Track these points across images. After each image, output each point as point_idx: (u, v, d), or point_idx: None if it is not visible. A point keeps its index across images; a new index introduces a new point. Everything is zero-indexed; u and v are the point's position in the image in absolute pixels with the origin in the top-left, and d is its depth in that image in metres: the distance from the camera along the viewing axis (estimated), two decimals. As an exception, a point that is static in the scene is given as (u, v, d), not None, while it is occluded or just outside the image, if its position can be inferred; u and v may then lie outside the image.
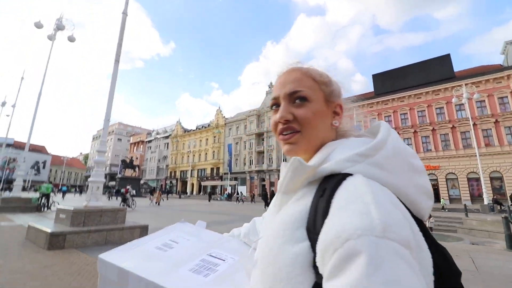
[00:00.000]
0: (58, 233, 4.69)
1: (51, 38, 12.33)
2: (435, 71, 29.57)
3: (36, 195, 14.78)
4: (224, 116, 52.83)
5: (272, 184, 40.02)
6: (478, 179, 24.74)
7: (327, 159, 0.47)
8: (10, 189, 27.60)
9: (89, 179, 6.10)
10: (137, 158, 61.47)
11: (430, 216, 12.67)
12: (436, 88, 28.81)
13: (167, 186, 56.63)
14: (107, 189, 36.20)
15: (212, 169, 50.69)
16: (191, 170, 52.03)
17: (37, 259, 3.99)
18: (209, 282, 0.55)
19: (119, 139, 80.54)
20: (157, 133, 68.24)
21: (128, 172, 42.40)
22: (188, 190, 52.40)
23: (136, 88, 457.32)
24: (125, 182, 35.99)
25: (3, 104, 19.40)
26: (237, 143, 47.28)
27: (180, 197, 39.60)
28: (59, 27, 12.03)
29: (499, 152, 24.69)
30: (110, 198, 28.68)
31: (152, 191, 26.04)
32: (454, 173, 26.94)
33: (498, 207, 17.94)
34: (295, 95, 0.53)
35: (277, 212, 0.51)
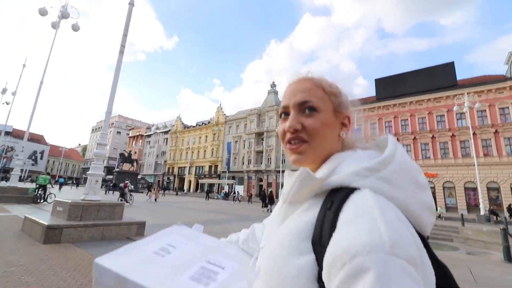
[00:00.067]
0: (55, 226, 4.64)
1: (55, 26, 12.21)
2: (438, 79, 29.61)
3: (33, 185, 14.70)
4: (224, 114, 52.76)
5: (269, 184, 40.01)
6: (475, 189, 24.84)
7: (335, 171, 0.47)
8: (7, 179, 27.47)
9: (88, 172, 6.05)
10: (135, 152, 61.29)
11: (426, 224, 12.69)
12: (438, 95, 28.86)
13: (165, 182, 56.53)
14: (104, 183, 36.07)
15: (210, 167, 50.63)
16: (189, 167, 51.93)
17: (33, 252, 3.95)
18: None
19: (118, 132, 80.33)
20: (157, 128, 68.08)
21: (126, 166, 42.21)
22: (185, 187, 52.27)
23: (137, 81, 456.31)
24: (123, 176, 35.86)
25: (4, 91, 19.24)
26: (236, 141, 47.22)
27: (177, 194, 39.53)
28: (64, 14, 11.93)
29: (497, 162, 24.76)
30: (107, 192, 28.53)
31: (149, 187, 25.90)
32: (451, 182, 27.01)
33: (494, 217, 18.01)
34: (305, 105, 0.53)
35: (281, 222, 0.51)
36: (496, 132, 25.34)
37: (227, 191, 38.50)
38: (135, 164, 43.21)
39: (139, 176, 50.80)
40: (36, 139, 72.13)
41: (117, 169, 40.84)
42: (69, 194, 20.21)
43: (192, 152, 54.43)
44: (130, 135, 75.93)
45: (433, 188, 28.05)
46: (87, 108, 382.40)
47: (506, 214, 18.67)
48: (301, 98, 0.54)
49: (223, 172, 45.86)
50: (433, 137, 28.69)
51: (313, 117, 0.52)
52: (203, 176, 50.98)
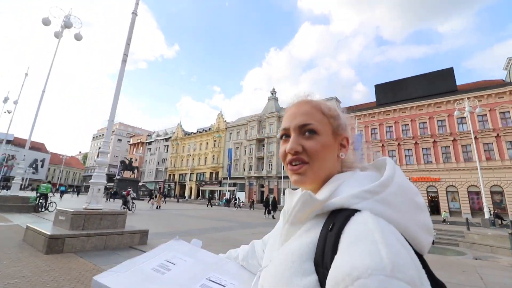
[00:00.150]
0: (57, 236, 4.57)
1: (58, 35, 12.33)
2: (438, 84, 29.75)
3: (33, 194, 14.62)
4: (225, 120, 52.89)
5: (271, 190, 39.82)
6: (478, 193, 24.66)
7: (335, 193, 0.49)
8: (8, 187, 27.39)
9: (90, 181, 6.00)
10: (136, 160, 61.24)
11: (431, 229, 12.55)
12: (438, 100, 28.95)
13: (165, 189, 56.31)
14: (104, 191, 35.81)
15: (211, 173, 50.50)
16: (190, 174, 51.80)
17: (35, 263, 3.87)
18: None
19: (119, 140, 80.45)
20: (158, 135, 68.19)
21: (127, 174, 42.11)
22: (186, 194, 52.02)
23: (138, 89, 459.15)
24: (124, 183, 35.71)
25: (5, 100, 19.34)
26: (237, 148, 47.20)
27: (178, 201, 39.29)
28: (67, 24, 12.05)
29: (500, 166, 24.66)
30: (108, 200, 28.36)
31: (151, 194, 25.80)
32: (454, 186, 26.86)
33: (499, 221, 17.80)
34: (305, 128, 0.56)
35: (283, 242, 0.52)
36: (497, 136, 25.32)
37: (228, 198, 38.29)
38: (136, 171, 43.06)
39: (140, 184, 50.61)
40: (37, 147, 72.27)
41: (118, 177, 40.70)
42: (70, 203, 20.10)
43: (193, 159, 54.38)
44: (131, 142, 76.03)
45: (436, 193, 27.90)
46: (88, 116, 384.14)
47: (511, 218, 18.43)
48: (301, 121, 0.56)
49: (224, 178, 45.70)
50: (434, 141, 28.65)
51: (313, 140, 0.55)
52: (204, 183, 50.80)
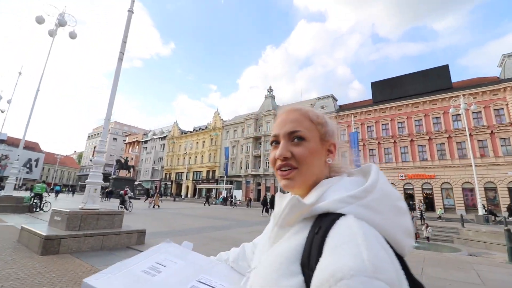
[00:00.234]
0: (53, 237, 4.51)
1: (52, 34, 12.13)
2: (433, 81, 29.96)
3: (27, 194, 14.44)
4: (221, 119, 52.73)
5: (267, 188, 39.89)
6: (472, 189, 24.99)
7: (322, 198, 0.51)
8: (2, 187, 27.01)
9: (87, 180, 5.92)
10: (132, 159, 60.87)
11: (427, 226, 12.66)
12: (433, 98, 29.17)
13: (162, 188, 56.09)
14: (100, 190, 35.52)
15: (208, 172, 50.39)
16: (187, 173, 51.63)
17: (31, 264, 3.81)
18: None
19: (115, 139, 79.83)
20: (154, 134, 67.75)
21: (123, 173, 41.84)
22: (183, 192, 51.90)
23: (134, 88, 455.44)
24: (119, 183, 35.49)
25: (-1, 99, 18.99)
26: (234, 146, 47.13)
27: (174, 200, 39.18)
28: (61, 22, 11.85)
29: (494, 163, 24.98)
30: (103, 199, 28.09)
31: (148, 193, 25.61)
32: (449, 183, 27.16)
33: (493, 218, 18.06)
34: (294, 135, 0.58)
35: (272, 244, 0.54)
36: (492, 133, 25.61)
37: (225, 196, 38.30)
38: (132, 170, 42.81)
39: (136, 183, 50.37)
40: (31, 146, 71.38)
41: (113, 176, 40.44)
42: (65, 202, 19.89)
43: (190, 157, 54.17)
44: (127, 141, 75.47)
45: (431, 190, 28.20)
46: (83, 115, 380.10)
47: (506, 214, 18.71)
48: (290, 128, 0.59)
49: (221, 177, 45.64)
50: (430, 139, 28.91)
51: (301, 146, 0.57)
52: (200, 182, 50.70)
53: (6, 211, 10.23)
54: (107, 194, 29.25)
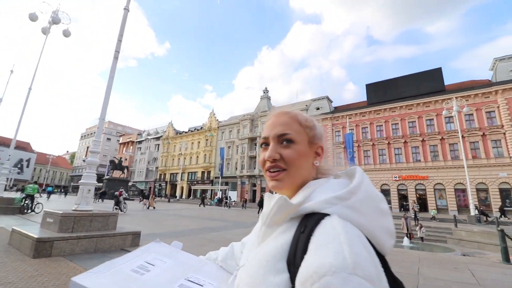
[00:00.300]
0: (45, 239, 4.40)
1: (45, 31, 11.92)
2: (427, 84, 30.36)
3: (18, 195, 14.14)
4: (217, 119, 52.56)
5: (263, 189, 39.84)
6: (464, 190, 25.35)
7: (309, 198, 0.53)
8: (-9, 188, 26.39)
9: (80, 181, 5.81)
10: (126, 159, 60.22)
11: (421, 226, 12.80)
12: (427, 100, 29.56)
13: (156, 189, 55.59)
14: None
15: (203, 172, 50.14)
16: (182, 173, 51.28)
17: (22, 268, 3.71)
18: None
19: (108, 139, 78.90)
20: (148, 134, 67.16)
21: (117, 173, 41.34)
22: (178, 193, 51.53)
23: (128, 87, 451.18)
24: (113, 183, 35.06)
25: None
26: (229, 147, 47.01)
27: (169, 201, 38.84)
28: (55, 20, 11.65)
29: (486, 164, 25.41)
30: (96, 200, 27.62)
31: (143, 194, 25.27)
32: (442, 184, 27.52)
33: (484, 218, 18.36)
34: (283, 137, 0.60)
35: (260, 243, 0.56)
36: (483, 135, 26.06)
37: (220, 197, 38.17)
38: (125, 171, 42.35)
39: (130, 184, 49.85)
40: (23, 146, 70.07)
41: (107, 177, 39.92)
42: (58, 204, 19.55)
43: (185, 158, 53.83)
44: (121, 141, 74.65)
45: (424, 190, 28.54)
46: (76, 114, 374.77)
47: (498, 215, 19.05)
48: (280, 131, 0.60)
49: (216, 177, 45.43)
50: (423, 140, 29.27)
51: (290, 148, 0.59)
52: (195, 182, 50.40)
53: (-4, 213, 9.99)
54: (100, 195, 28.77)
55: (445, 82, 30.15)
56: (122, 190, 16.74)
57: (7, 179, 13.65)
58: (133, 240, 5.69)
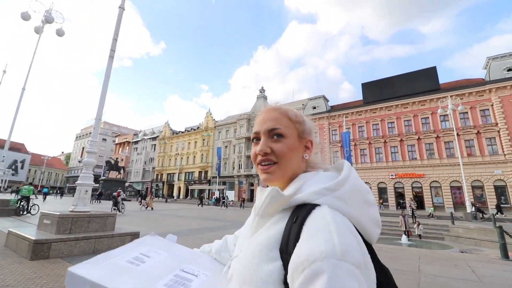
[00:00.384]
0: (43, 241, 4.33)
1: (38, 31, 11.74)
2: (422, 82, 30.59)
3: (13, 197, 13.94)
4: (214, 119, 52.37)
5: (260, 189, 39.76)
6: (460, 188, 25.64)
7: (300, 190, 0.55)
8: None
9: (77, 182, 5.74)
10: (122, 160, 59.75)
11: (419, 224, 12.88)
12: (422, 99, 29.77)
13: (153, 189, 55.27)
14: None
15: (200, 172, 49.95)
16: (179, 173, 51.04)
17: (20, 270, 3.64)
18: None
19: (104, 139, 78.20)
20: (144, 134, 66.70)
21: (113, 174, 41.01)
22: (175, 193, 51.28)
23: (124, 88, 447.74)
24: (110, 184, 34.79)
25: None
26: (226, 146, 46.90)
27: (166, 201, 38.66)
28: (48, 19, 11.48)
29: (481, 162, 25.69)
30: (92, 201, 27.29)
31: (141, 195, 25.10)
32: (438, 181, 27.76)
33: (480, 215, 18.56)
34: (273, 132, 0.62)
35: (253, 234, 0.59)
36: (478, 133, 26.34)
37: (217, 197, 38.05)
38: (122, 171, 42.06)
39: (127, 184, 49.50)
40: (17, 147, 69.12)
41: (103, 177, 39.58)
42: (54, 205, 19.32)
43: (181, 158, 53.58)
44: (117, 142, 74.03)
45: (420, 188, 28.77)
46: (71, 115, 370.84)
47: (496, 212, 19.24)
48: (270, 126, 0.62)
49: (213, 177, 45.30)
50: (419, 138, 29.49)
51: (280, 142, 0.61)
52: (193, 182, 50.18)
53: (-10, 215, 9.82)
54: (97, 196, 28.47)
55: (439, 81, 30.42)
56: (120, 190, 16.63)
57: (2, 180, 13.46)
58: (131, 241, 5.61)
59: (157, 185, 56.91)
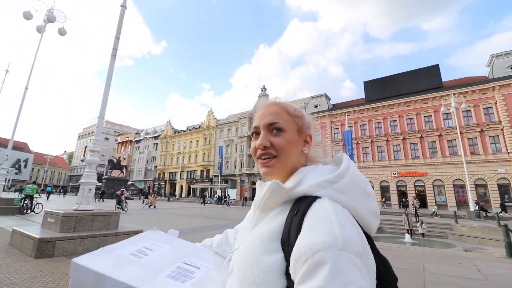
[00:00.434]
0: (47, 239, 4.34)
1: (40, 30, 11.76)
2: (424, 80, 30.38)
3: (16, 195, 14.03)
4: (215, 118, 52.37)
5: (262, 187, 39.77)
6: (463, 186, 25.50)
7: (300, 183, 0.56)
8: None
9: (80, 180, 5.74)
10: (124, 159, 59.92)
11: (422, 222, 12.83)
12: (424, 97, 29.60)
13: (155, 188, 55.45)
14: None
15: (202, 171, 50.03)
16: (181, 172, 51.15)
17: (24, 268, 3.65)
18: (187, 287, 0.59)
19: (106, 138, 78.50)
20: (146, 133, 66.84)
21: (115, 173, 41.19)
22: (177, 192, 51.42)
23: (125, 87, 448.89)
24: (112, 183, 34.94)
25: (-16, 99, 18.37)
26: (228, 145, 46.91)
27: (168, 200, 38.77)
28: (50, 18, 11.49)
29: (484, 160, 25.53)
30: (95, 200, 27.42)
31: (144, 194, 25.26)
32: (441, 180, 27.62)
33: (484, 213, 18.45)
34: (273, 126, 0.63)
35: (254, 227, 0.60)
36: (481, 131, 26.16)
37: (219, 195, 38.08)
38: (124, 170, 42.21)
39: (129, 183, 49.67)
40: (20, 147, 69.50)
41: (106, 176, 39.75)
42: (57, 203, 19.44)
43: (183, 156, 53.68)
44: (119, 141, 74.26)
45: (423, 187, 28.65)
46: (73, 114, 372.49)
47: (498, 210, 19.09)
48: (270, 120, 0.63)
49: (215, 176, 45.34)
50: (421, 137, 29.34)
51: (279, 136, 0.62)
52: (195, 181, 50.29)
53: (-5, 214, 9.89)
54: (100, 195, 28.58)
55: (442, 79, 30.20)
56: (124, 189, 16.76)
57: (5, 179, 13.52)
58: (135, 239, 5.63)
59: (159, 184, 57.09)
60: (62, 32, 11.59)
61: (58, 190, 53.00)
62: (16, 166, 65.22)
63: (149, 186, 56.51)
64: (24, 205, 11.16)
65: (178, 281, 0.60)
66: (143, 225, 8.20)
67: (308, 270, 0.40)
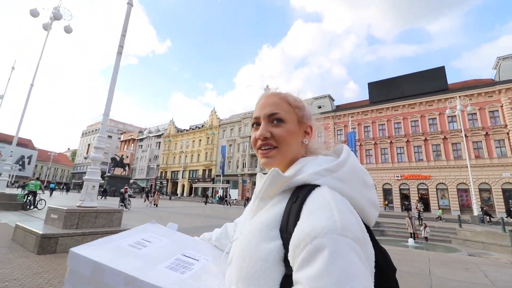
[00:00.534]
0: (50, 235, 4.33)
1: (47, 27, 11.83)
2: (429, 82, 30.12)
3: (20, 191, 14.10)
4: (218, 117, 52.40)
5: (264, 188, 39.68)
6: (467, 190, 25.23)
7: (300, 171, 0.56)
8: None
9: (84, 177, 5.74)
10: (127, 157, 60.22)
11: (425, 226, 12.70)
12: (429, 99, 29.35)
13: (157, 187, 55.59)
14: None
15: (204, 170, 50.06)
16: (183, 171, 51.22)
17: (27, 264, 3.63)
18: (186, 278, 0.59)
19: (109, 136, 78.84)
20: (149, 132, 67.07)
21: (118, 171, 41.34)
22: (179, 191, 51.49)
23: (129, 85, 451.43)
24: (114, 181, 35.07)
25: (-10, 95, 18.48)
26: (230, 145, 46.90)
27: (170, 199, 38.83)
28: (56, 16, 11.55)
29: (489, 164, 25.25)
30: (98, 198, 27.41)
31: (147, 192, 25.34)
32: (444, 183, 27.36)
33: (488, 218, 18.24)
34: (273, 117, 0.63)
35: (253, 216, 0.59)
36: (486, 134, 25.88)
37: (221, 195, 38.04)
38: (127, 168, 42.37)
39: (131, 181, 49.83)
40: (24, 143, 70.04)
41: (108, 174, 39.92)
42: (60, 200, 19.51)
43: (186, 156, 53.77)
44: (122, 139, 74.60)
45: (426, 190, 28.40)
46: (77, 112, 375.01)
47: (504, 215, 18.86)
48: (270, 111, 0.63)
49: (217, 176, 45.32)
50: (425, 139, 29.10)
51: (280, 127, 0.61)
52: (196, 180, 50.33)
53: (-2, 209, 9.93)
54: (102, 192, 28.64)
55: (448, 81, 29.93)
56: (127, 187, 16.92)
57: (9, 175, 13.61)
58: (137, 237, 5.62)
59: (161, 183, 57.22)
60: (68, 30, 11.65)
61: (61, 187, 53.27)
62: (20, 163, 65.71)
63: (151, 185, 56.65)
64: (27, 201, 11.21)
65: (177, 272, 0.60)
66: (146, 223, 8.19)
67: (307, 256, 0.40)
